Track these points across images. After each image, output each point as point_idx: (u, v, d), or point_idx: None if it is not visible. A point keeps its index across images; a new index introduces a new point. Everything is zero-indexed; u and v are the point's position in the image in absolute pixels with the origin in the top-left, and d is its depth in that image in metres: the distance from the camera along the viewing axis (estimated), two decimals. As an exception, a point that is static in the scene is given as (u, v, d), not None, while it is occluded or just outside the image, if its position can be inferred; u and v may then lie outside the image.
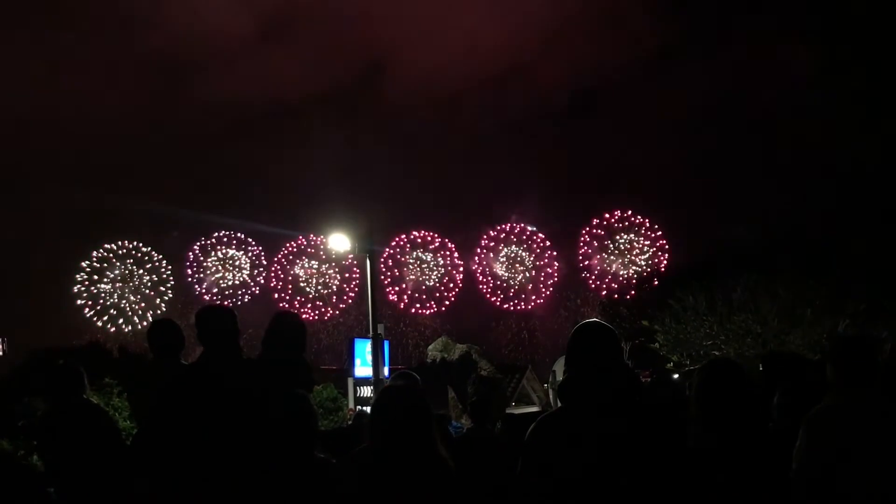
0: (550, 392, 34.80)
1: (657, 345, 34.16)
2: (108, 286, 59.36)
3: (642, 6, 77.15)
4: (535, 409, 31.81)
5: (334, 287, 59.54)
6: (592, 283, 60.33)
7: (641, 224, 60.44)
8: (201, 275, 60.28)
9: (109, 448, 5.39)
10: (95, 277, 59.42)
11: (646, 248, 60.25)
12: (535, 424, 3.33)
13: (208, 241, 60.71)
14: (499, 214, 62.53)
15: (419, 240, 61.21)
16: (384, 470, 3.54)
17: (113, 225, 60.41)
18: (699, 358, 29.50)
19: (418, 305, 60.30)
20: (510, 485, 3.55)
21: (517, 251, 61.49)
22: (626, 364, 3.50)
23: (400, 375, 6.49)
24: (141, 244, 60.38)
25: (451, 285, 61.24)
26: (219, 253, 60.50)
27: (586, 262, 60.99)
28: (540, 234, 61.74)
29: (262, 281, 60.26)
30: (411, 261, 60.31)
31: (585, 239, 61.28)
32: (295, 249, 60.38)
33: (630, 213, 60.76)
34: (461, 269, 61.51)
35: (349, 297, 58.98)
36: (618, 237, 60.57)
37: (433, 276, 60.73)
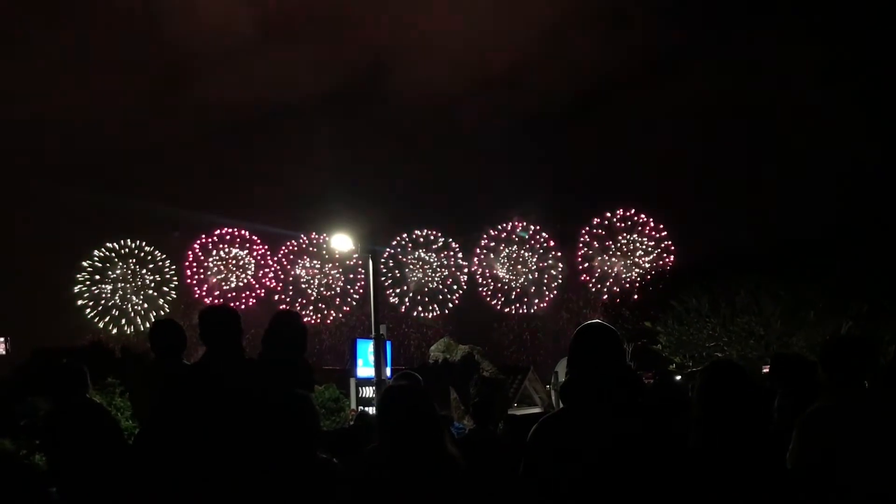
0: (553, 393, 34.78)
1: (660, 346, 34.17)
2: (110, 286, 59.42)
3: (645, 6, 77.11)
4: (537, 410, 31.79)
5: (338, 289, 59.52)
6: (592, 285, 60.26)
7: (645, 223, 60.37)
8: (202, 275, 60.25)
9: (112, 448, 5.39)
10: (97, 277, 59.49)
11: (650, 249, 60.15)
12: (536, 425, 3.33)
13: (209, 240, 60.68)
14: (500, 214, 62.57)
15: (421, 239, 61.21)
16: (394, 469, 3.55)
17: (115, 224, 60.52)
18: (701, 359, 29.50)
19: (420, 308, 60.28)
20: (513, 486, 3.55)
21: (519, 251, 61.44)
22: (629, 366, 3.50)
23: (402, 376, 6.48)
24: (144, 243, 60.47)
25: (455, 287, 61.22)
26: (221, 252, 60.49)
27: (586, 264, 60.92)
28: (543, 234, 61.70)
29: (268, 282, 60.24)
30: (413, 261, 60.29)
31: (585, 239, 61.23)
32: (296, 249, 60.38)
33: (633, 211, 60.69)
34: (465, 269, 61.50)
35: (353, 300, 58.96)
36: (620, 237, 60.50)
37: (436, 278, 60.71)
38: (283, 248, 60.69)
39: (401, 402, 3.76)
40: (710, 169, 65.49)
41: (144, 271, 60.24)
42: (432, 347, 36.92)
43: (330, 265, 59.17)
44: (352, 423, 14.04)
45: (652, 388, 4.87)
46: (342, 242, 21.99)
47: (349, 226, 21.71)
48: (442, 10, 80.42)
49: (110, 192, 60.43)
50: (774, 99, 63.23)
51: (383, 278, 58.01)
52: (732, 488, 3.33)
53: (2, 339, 26.45)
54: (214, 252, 60.63)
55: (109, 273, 59.74)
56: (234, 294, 59.19)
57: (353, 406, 22.58)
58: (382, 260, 56.86)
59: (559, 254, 61.58)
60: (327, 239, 52.40)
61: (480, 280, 61.55)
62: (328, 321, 59.00)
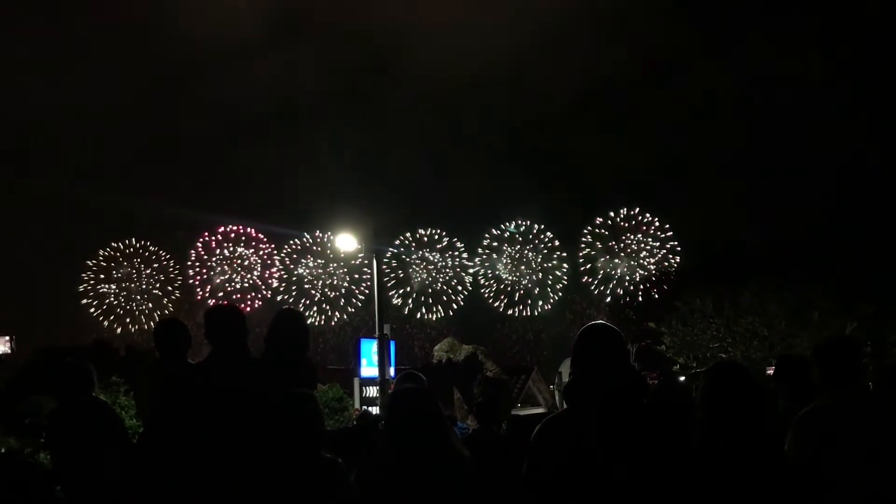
0: (556, 393, 34.76)
1: (664, 347, 34.15)
2: (115, 286, 59.48)
3: (650, 8, 77.02)
4: (540, 410, 31.76)
5: (343, 290, 59.48)
6: (595, 286, 60.14)
7: (650, 223, 60.23)
8: (206, 275, 60.24)
9: (117, 446, 5.40)
10: (102, 277, 59.55)
11: (655, 250, 59.99)
12: (540, 426, 3.33)
13: (214, 238, 60.66)
14: (504, 214, 62.48)
15: (425, 238, 61.16)
16: (403, 469, 3.56)
17: (120, 224, 60.61)
18: (706, 360, 29.50)
19: (424, 310, 60.22)
20: (516, 486, 3.56)
21: (522, 252, 61.33)
22: (632, 366, 3.50)
23: (406, 376, 6.49)
24: (148, 243, 60.51)
25: (459, 287, 61.16)
26: (226, 251, 60.48)
27: (588, 265, 60.79)
28: (548, 234, 61.58)
29: (273, 282, 60.21)
30: (417, 261, 60.23)
31: (588, 239, 61.10)
32: (299, 248, 60.35)
33: (637, 210, 60.54)
34: (469, 269, 61.43)
35: (358, 300, 58.93)
36: (624, 237, 60.36)
37: (439, 279, 60.65)
38: (287, 246, 60.69)
39: (407, 404, 3.78)
40: (714, 169, 65.44)
41: (149, 271, 60.29)
42: (436, 347, 36.89)
43: (335, 265, 59.13)
44: (355, 422, 14.06)
45: (656, 389, 4.87)
46: (347, 242, 22.00)
47: (354, 225, 21.73)
48: (447, 11, 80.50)
49: (114, 191, 60.52)
50: (777, 99, 63.19)
51: (387, 279, 57.98)
52: (736, 489, 3.33)
53: (6, 338, 26.47)
54: (218, 251, 60.64)
55: (114, 273, 59.81)
56: (238, 295, 59.18)
57: (357, 406, 22.59)
58: (385, 259, 56.81)
59: (564, 254, 61.49)
60: (332, 238, 52.42)
61: (483, 281, 61.50)
62: (332, 322, 58.98)
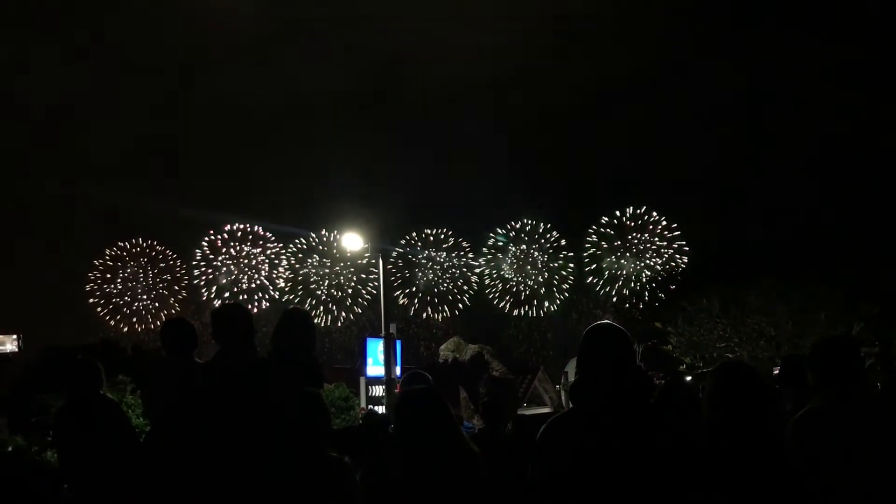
0: (562, 393, 34.76)
1: (670, 347, 34.11)
2: (121, 285, 59.60)
3: (654, 7, 76.88)
4: (546, 409, 31.79)
5: (349, 290, 59.49)
6: (601, 287, 60.04)
7: (657, 223, 60.11)
8: (212, 275, 60.30)
9: (125, 444, 5.41)
10: (109, 276, 59.69)
11: (662, 251, 59.83)
12: (545, 426, 3.33)
13: (219, 238, 60.71)
14: (510, 214, 62.42)
15: (431, 238, 61.14)
16: (415, 468, 3.57)
17: (126, 223, 60.76)
18: (712, 360, 29.44)
19: (429, 310, 60.21)
20: (521, 486, 3.56)
21: (528, 252, 61.27)
22: (638, 366, 3.49)
23: (412, 375, 6.49)
24: (155, 242, 60.63)
25: (465, 287, 61.13)
26: (232, 250, 60.55)
27: (594, 265, 60.69)
28: (554, 233, 61.51)
29: (280, 282, 60.24)
30: (423, 260, 60.22)
31: (593, 239, 61.02)
32: (305, 247, 60.38)
33: (643, 209, 60.43)
34: (475, 269, 61.41)
35: (365, 300, 58.93)
36: (631, 237, 60.25)
37: (445, 278, 60.63)
38: (293, 246, 60.73)
39: (416, 404, 3.79)
40: (721, 169, 65.32)
41: (156, 270, 60.40)
42: (442, 347, 36.93)
43: (341, 264, 59.16)
44: (360, 421, 14.08)
45: (662, 389, 4.86)
46: (353, 241, 22.06)
47: (360, 225, 21.79)
48: (453, 10, 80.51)
49: (121, 190, 60.66)
50: (785, 99, 63.05)
51: (393, 278, 58.00)
52: (740, 489, 3.33)
53: (13, 337, 26.57)
54: (224, 250, 60.71)
55: (121, 272, 59.92)
56: (245, 295, 59.22)
57: (363, 405, 22.63)
58: (391, 259, 56.84)
59: (570, 254, 61.40)
60: (338, 238, 52.47)
61: (488, 281, 61.45)
62: (339, 322, 59.00)
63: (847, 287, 28.41)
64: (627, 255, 59.92)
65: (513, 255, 61.21)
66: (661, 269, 58.67)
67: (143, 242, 60.26)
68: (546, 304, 60.76)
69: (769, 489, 3.36)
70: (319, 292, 59.54)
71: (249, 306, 52.36)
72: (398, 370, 19.94)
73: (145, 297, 59.79)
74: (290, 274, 60.33)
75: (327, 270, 59.64)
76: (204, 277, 60.43)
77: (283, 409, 4.01)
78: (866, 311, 27.45)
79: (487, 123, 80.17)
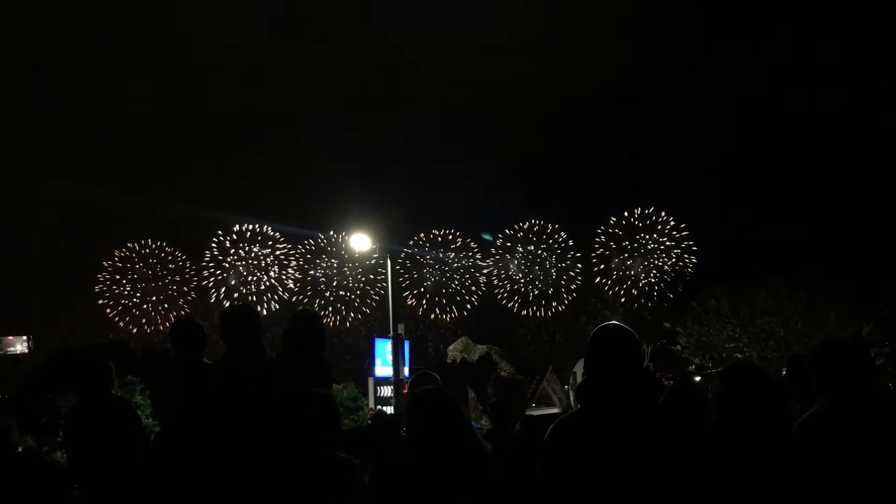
0: (571, 393, 34.71)
1: (679, 347, 34.06)
2: (130, 286, 59.75)
3: (666, 5, 76.70)
4: (555, 410, 31.75)
5: (357, 291, 59.54)
6: (610, 287, 59.92)
7: (665, 222, 59.94)
8: (221, 276, 60.42)
9: (135, 444, 5.43)
10: (118, 277, 59.86)
11: (672, 252, 59.67)
12: (553, 426, 3.34)
13: (227, 239, 60.83)
14: (518, 214, 62.36)
15: (439, 238, 61.13)
16: (427, 469, 3.58)
17: (135, 224, 60.94)
18: (721, 360, 29.39)
19: (437, 311, 60.20)
20: (529, 486, 3.57)
21: (537, 251, 61.24)
22: (646, 367, 3.49)
23: (420, 376, 6.50)
24: (164, 243, 60.76)
25: (473, 288, 61.11)
26: (241, 251, 60.66)
27: (602, 266, 60.57)
28: (562, 233, 61.42)
29: (289, 283, 60.31)
30: (431, 261, 60.23)
31: (602, 239, 60.89)
32: (314, 248, 60.45)
33: (652, 210, 60.28)
34: (483, 270, 61.38)
35: (373, 301, 58.95)
36: (639, 237, 60.12)
37: (454, 279, 60.63)
38: (302, 247, 60.82)
39: (427, 405, 3.80)
40: (730, 169, 65.15)
41: (165, 271, 60.54)
42: (450, 347, 36.95)
43: (350, 265, 59.22)
44: (369, 421, 14.09)
45: (670, 390, 4.85)
46: (361, 242, 22.11)
47: (368, 225, 21.81)
48: (461, 9, 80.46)
49: (130, 191, 60.87)
50: (794, 98, 62.85)
51: (400, 279, 58.00)
52: (748, 489, 3.33)
53: (24, 338, 26.66)
54: (234, 251, 60.80)
55: (130, 273, 60.08)
56: (254, 296, 59.33)
57: (371, 405, 22.66)
58: (399, 260, 56.85)
59: (578, 254, 61.29)
60: (346, 238, 52.51)
61: (496, 281, 61.39)
62: (347, 323, 59.05)
63: (857, 287, 28.35)
64: (636, 255, 59.77)
65: (521, 256, 61.16)
66: (670, 270, 58.55)
67: (152, 244, 60.45)
68: (554, 304, 60.69)
69: (776, 490, 3.36)
70: (328, 293, 59.60)
71: (258, 307, 52.61)
72: (406, 371, 19.97)
73: (154, 298, 59.94)
74: (298, 275, 60.43)
75: (336, 271, 59.70)
76: (213, 278, 60.57)
77: (292, 409, 4.02)
78: (876, 311, 27.38)
79: (495, 123, 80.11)
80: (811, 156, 55.76)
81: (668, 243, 59.66)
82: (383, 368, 22.82)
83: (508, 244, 61.39)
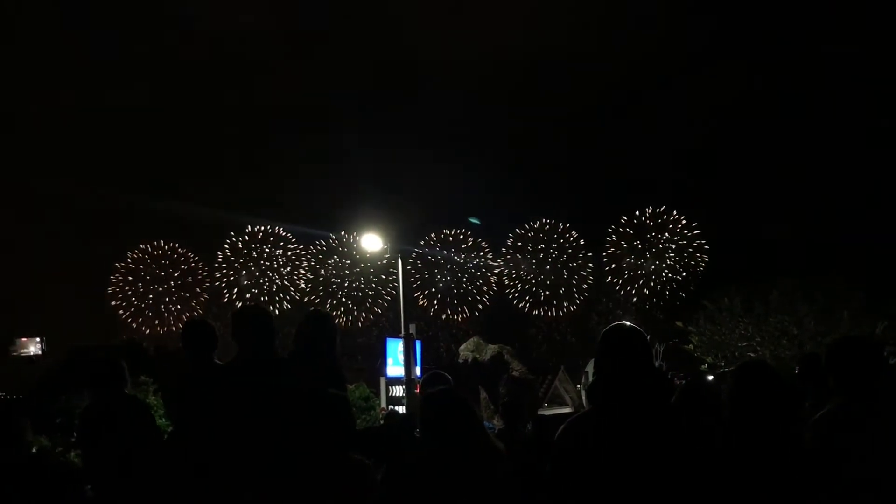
0: (583, 393, 34.65)
1: (691, 346, 33.96)
2: (143, 287, 59.96)
3: (678, 4, 76.41)
4: (567, 409, 31.71)
5: (369, 291, 59.57)
6: (621, 286, 59.75)
7: (677, 221, 59.73)
8: (233, 277, 60.57)
9: (149, 444, 5.44)
10: (131, 278, 60.09)
11: (683, 250, 59.44)
12: (563, 426, 3.34)
13: (240, 240, 60.97)
14: (529, 214, 62.30)
15: (451, 238, 61.12)
16: (441, 469, 3.58)
17: (148, 225, 61.17)
18: (734, 360, 29.29)
19: (449, 311, 60.18)
20: (540, 486, 3.57)
21: (548, 251, 61.15)
22: (656, 367, 3.49)
23: (432, 376, 6.50)
24: (177, 245, 60.97)
25: (485, 288, 61.06)
26: (254, 252, 60.80)
27: (613, 265, 60.39)
28: (573, 233, 61.30)
29: (301, 283, 60.41)
30: (442, 261, 60.21)
31: (613, 238, 60.73)
32: (325, 248, 60.53)
33: (663, 208, 60.08)
34: (494, 270, 61.33)
35: (385, 301, 58.98)
36: (650, 236, 59.92)
37: (465, 279, 60.59)
38: (314, 247, 60.92)
39: (441, 406, 3.81)
40: (743, 167, 64.94)
41: (177, 273, 60.74)
42: (462, 347, 36.92)
43: (361, 265, 59.26)
44: (381, 422, 14.10)
45: (682, 389, 4.85)
46: (372, 242, 22.15)
47: (379, 226, 21.84)
48: (471, 7, 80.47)
49: (142, 192, 61.11)
50: (808, 95, 62.53)
51: (412, 279, 58.00)
52: (760, 489, 3.31)
53: (37, 340, 26.84)
54: (246, 252, 60.97)
55: (143, 274, 60.30)
56: (266, 297, 59.44)
57: (383, 405, 22.68)
58: (410, 260, 56.86)
59: (590, 253, 61.17)
60: (357, 239, 52.55)
61: (507, 281, 61.32)
62: (360, 323, 59.10)
63: (871, 286, 28.21)
64: (647, 254, 59.58)
65: (532, 256, 61.07)
66: (682, 269, 58.38)
67: (164, 245, 60.66)
68: (566, 303, 60.59)
69: (789, 489, 3.35)
70: (340, 293, 59.67)
71: (271, 307, 52.72)
72: (418, 370, 19.97)
73: (167, 299, 60.14)
74: (310, 275, 60.53)
75: (347, 272, 59.76)
76: (225, 279, 60.74)
77: (304, 409, 4.02)
78: (890, 310, 27.22)
79: (506, 123, 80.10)
80: (826, 154, 55.49)
81: (680, 242, 59.48)
82: (395, 368, 22.83)
83: (519, 244, 61.35)
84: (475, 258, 60.85)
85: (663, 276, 58.79)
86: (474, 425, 3.75)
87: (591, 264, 60.89)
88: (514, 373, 33.40)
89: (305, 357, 5.11)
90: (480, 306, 60.64)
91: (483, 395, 30.00)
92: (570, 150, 77.22)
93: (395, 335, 23.36)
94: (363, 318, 59.47)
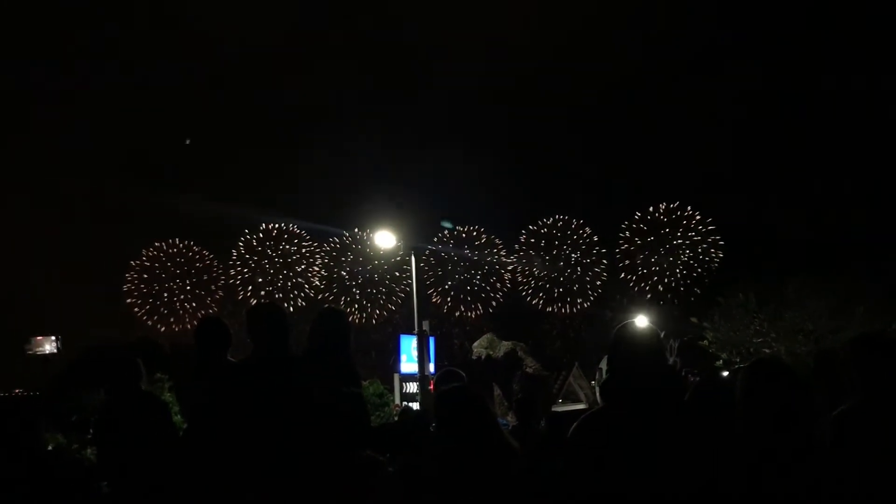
0: (597, 389, 34.60)
1: (706, 342, 33.83)
2: (158, 285, 60.19)
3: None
4: (581, 406, 31.67)
5: (383, 288, 59.65)
6: (634, 283, 59.60)
7: (692, 217, 59.53)
8: (248, 274, 60.77)
9: (164, 439, 5.47)
10: (146, 276, 60.35)
11: (698, 247, 59.21)
12: (577, 424, 3.34)
13: (254, 237, 61.14)
14: (542, 210, 62.22)
15: (464, 235, 61.10)
16: (455, 465, 3.59)
17: (163, 223, 61.39)
18: (749, 356, 29.15)
19: (462, 308, 60.17)
20: (554, 483, 3.57)
21: (561, 248, 61.05)
22: (669, 364, 3.49)
23: (446, 373, 6.50)
24: (192, 242, 61.19)
25: (498, 285, 61.03)
26: (268, 250, 60.98)
27: (626, 261, 60.24)
28: (587, 229, 61.17)
29: (315, 281, 60.54)
30: (455, 258, 60.20)
31: (626, 235, 60.57)
32: (339, 246, 60.63)
33: (677, 204, 59.88)
34: (508, 267, 61.29)
35: (398, 298, 59.04)
36: (664, 232, 59.74)
37: (478, 276, 60.56)
38: (327, 244, 61.05)
39: (456, 402, 3.82)
40: (757, 162, 64.62)
41: (193, 270, 60.96)
42: (475, 344, 36.89)
43: (375, 262, 59.33)
44: (395, 418, 14.12)
45: (696, 386, 4.82)
46: (386, 239, 22.18)
47: (392, 223, 21.86)
48: (473, 6, 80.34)
49: (157, 190, 61.31)
50: (824, 90, 62.18)
51: (425, 276, 58.02)
52: (773, 487, 3.30)
53: (52, 338, 26.94)
54: (260, 249, 61.14)
55: (158, 272, 60.55)
56: (281, 294, 59.59)
57: (397, 401, 22.73)
58: (424, 257, 56.91)
59: (603, 250, 61.04)
60: (371, 236, 52.62)
61: (521, 278, 61.28)
62: (374, 320, 59.18)
63: (887, 281, 28.05)
64: (661, 250, 59.37)
65: (545, 252, 60.99)
66: (696, 265, 58.18)
67: (179, 243, 60.88)
68: (580, 300, 60.51)
69: (803, 486, 3.33)
70: (354, 290, 59.76)
71: (285, 304, 52.81)
72: (432, 367, 20.00)
73: (182, 296, 60.37)
74: (324, 272, 60.62)
75: (361, 269, 59.84)
76: (240, 277, 60.92)
77: (321, 408, 4.03)
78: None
79: (518, 119, 79.95)
80: (842, 148, 55.18)
81: (694, 238, 59.26)
82: (409, 365, 22.88)
83: (532, 240, 61.26)
84: (488, 255, 60.80)
85: (677, 273, 58.59)
86: (489, 422, 3.76)
87: (604, 261, 60.76)
88: (528, 369, 33.37)
89: (319, 355, 5.11)
90: (494, 303, 60.60)
91: (497, 391, 30.00)
92: (583, 145, 77.04)
93: (409, 332, 23.41)
94: (377, 314, 59.54)
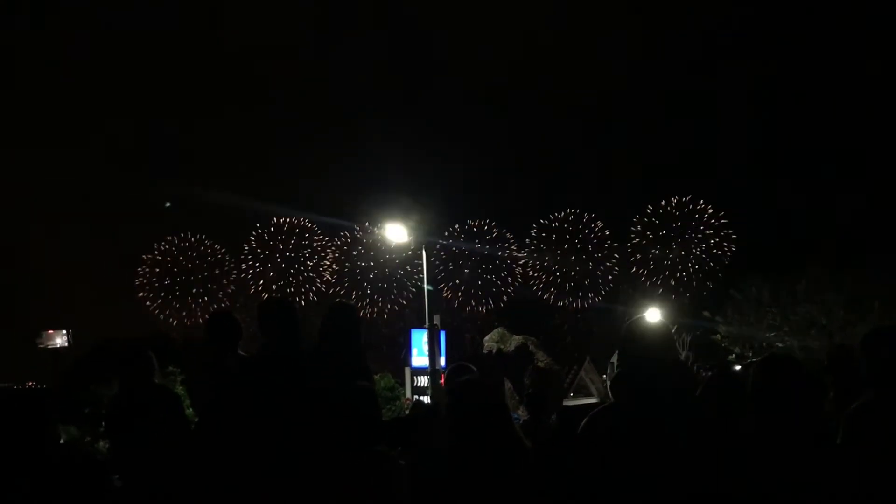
0: (608, 383, 34.52)
1: (719, 336, 33.75)
2: (170, 279, 60.36)
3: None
4: (593, 400, 31.62)
5: (394, 282, 59.68)
6: (646, 277, 59.44)
7: (704, 210, 59.27)
8: (260, 268, 60.89)
9: (177, 433, 5.48)
10: (157, 270, 60.50)
11: (710, 241, 58.96)
12: (587, 419, 3.33)
13: (265, 231, 61.26)
14: (554, 204, 62.09)
15: (475, 229, 61.03)
16: (467, 459, 3.58)
17: (174, 217, 61.58)
18: (762, 350, 29.07)
19: (473, 302, 60.13)
20: (564, 478, 3.56)
21: (573, 241, 60.94)
22: (680, 359, 3.47)
23: (457, 367, 6.50)
24: (204, 237, 61.32)
25: (509, 279, 60.96)
26: (279, 244, 61.09)
27: (638, 256, 60.05)
28: (598, 223, 61.00)
29: (326, 275, 60.60)
30: (466, 252, 60.16)
31: (637, 228, 60.35)
32: (350, 240, 60.65)
33: (690, 198, 59.63)
34: (519, 261, 61.19)
35: (409, 292, 59.05)
36: (676, 225, 59.50)
37: (489, 269, 60.52)
38: (339, 238, 61.06)
39: (469, 396, 3.81)
40: (770, 156, 64.31)
41: (204, 265, 61.09)
42: (486, 338, 36.86)
43: (386, 256, 59.32)
44: (407, 412, 14.14)
45: (708, 381, 4.81)
46: (397, 233, 22.20)
47: (403, 217, 21.87)
48: (482, 5, 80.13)
49: (167, 185, 61.49)
50: (838, 85, 61.79)
51: (436, 270, 57.99)
52: (784, 482, 3.28)
53: (64, 332, 27.08)
54: (272, 243, 61.21)
55: (169, 266, 60.71)
56: (292, 288, 59.68)
57: (409, 395, 22.75)
58: (435, 251, 56.86)
59: (615, 244, 60.86)
60: (382, 230, 52.67)
61: (532, 273, 61.19)
62: (385, 314, 59.18)
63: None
64: (673, 244, 59.12)
65: (556, 246, 60.83)
66: (709, 259, 57.93)
67: (191, 237, 60.99)
68: (591, 294, 60.35)
69: (814, 482, 3.31)
70: (365, 285, 59.75)
71: (297, 298, 52.87)
72: (443, 360, 20.01)
73: (194, 290, 60.45)
74: (335, 266, 60.65)
75: (372, 263, 59.83)
76: (251, 271, 60.99)
77: (333, 402, 4.03)
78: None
79: (529, 113, 79.84)
80: (856, 141, 54.86)
81: (706, 232, 58.98)
82: (420, 358, 22.90)
83: (543, 234, 61.10)
84: (499, 250, 60.71)
85: (689, 266, 58.37)
86: (500, 417, 3.75)
87: (616, 255, 60.59)
88: (540, 363, 33.33)
89: (330, 349, 5.12)
90: (505, 297, 60.52)
91: (508, 385, 29.98)
92: (596, 139, 76.82)
93: (420, 326, 23.42)
94: (388, 309, 59.54)
